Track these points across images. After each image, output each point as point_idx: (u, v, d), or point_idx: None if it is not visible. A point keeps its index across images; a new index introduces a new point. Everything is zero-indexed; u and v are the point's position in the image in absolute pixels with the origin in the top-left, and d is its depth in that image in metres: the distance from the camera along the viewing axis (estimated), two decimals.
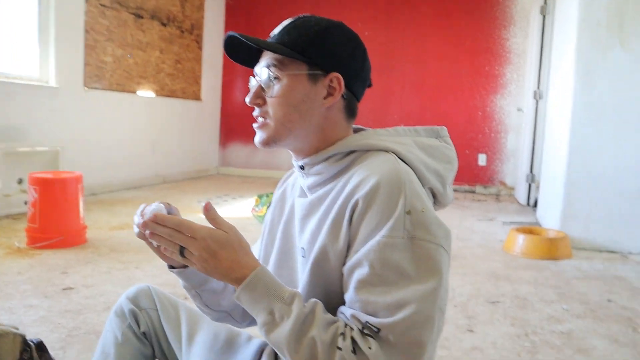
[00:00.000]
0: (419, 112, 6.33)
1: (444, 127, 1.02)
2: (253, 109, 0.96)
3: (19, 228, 3.49)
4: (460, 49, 6.16)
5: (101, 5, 4.99)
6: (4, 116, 4.09)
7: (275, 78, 0.92)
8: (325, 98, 0.93)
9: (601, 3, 3.40)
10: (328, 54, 0.93)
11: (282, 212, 1.07)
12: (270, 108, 0.92)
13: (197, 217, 4.12)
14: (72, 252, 3.02)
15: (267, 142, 0.94)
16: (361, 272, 0.80)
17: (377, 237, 0.80)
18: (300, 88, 0.92)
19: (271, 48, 0.91)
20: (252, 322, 1.10)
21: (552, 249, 3.18)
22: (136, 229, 0.90)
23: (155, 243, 0.87)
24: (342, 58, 0.94)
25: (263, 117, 0.94)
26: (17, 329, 0.91)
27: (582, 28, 3.46)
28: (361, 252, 0.81)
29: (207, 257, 0.82)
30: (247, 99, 0.94)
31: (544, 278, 2.78)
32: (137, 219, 0.90)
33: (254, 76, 0.96)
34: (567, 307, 2.33)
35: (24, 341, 0.89)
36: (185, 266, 0.97)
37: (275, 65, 0.91)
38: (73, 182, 3.19)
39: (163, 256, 0.93)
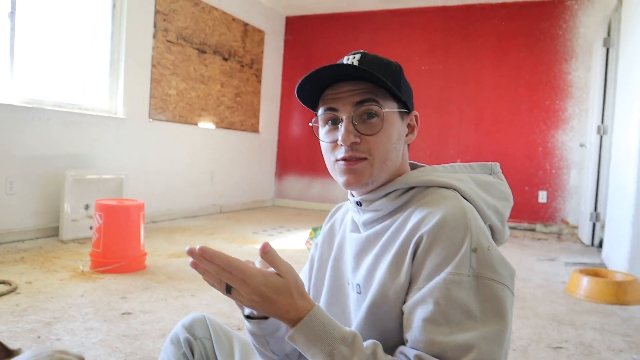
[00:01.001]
0: (476, 147, 6.22)
1: (497, 163, 1.00)
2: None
3: (84, 252, 3.64)
4: (519, 83, 6.05)
5: (167, 41, 5.25)
6: (75, 145, 4.33)
7: (376, 115, 0.89)
8: (406, 136, 0.95)
9: None
10: (409, 91, 0.95)
11: (331, 248, 1.06)
12: (372, 146, 0.89)
13: (253, 248, 4.19)
14: (132, 277, 3.11)
15: (366, 183, 0.90)
16: (425, 310, 0.78)
17: (443, 275, 0.78)
18: (396, 125, 0.92)
19: (383, 82, 0.87)
20: None
21: (620, 292, 3.01)
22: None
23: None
24: (411, 97, 0.97)
25: (360, 157, 0.89)
26: (82, 358, 0.93)
27: None
28: (425, 289, 0.79)
29: (260, 300, 0.77)
30: (342, 139, 0.88)
31: (611, 324, 2.62)
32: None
33: (335, 112, 0.90)
34: (638, 358, 2.18)
35: None
36: (264, 317, 0.92)
37: (375, 101, 0.89)
38: (136, 210, 3.32)
39: (237, 302, 0.87)
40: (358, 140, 0.88)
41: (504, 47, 6.12)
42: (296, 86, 0.91)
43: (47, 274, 3.06)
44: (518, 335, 2.40)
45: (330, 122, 0.92)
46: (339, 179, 0.92)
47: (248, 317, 0.93)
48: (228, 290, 0.78)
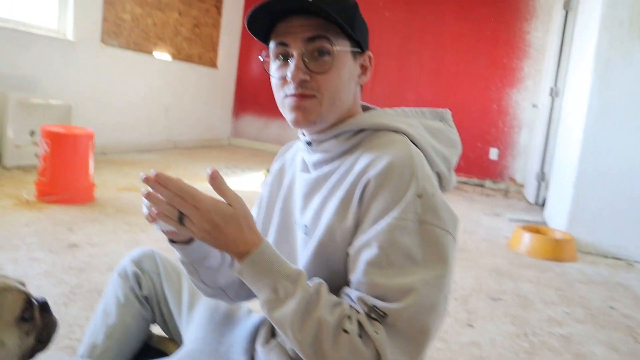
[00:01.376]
0: (433, 99, 6.26)
1: (448, 110, 1.00)
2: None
3: (28, 180, 3.50)
4: (480, 38, 6.06)
5: None
6: (19, 65, 4.07)
7: (328, 53, 0.85)
8: (359, 76, 0.92)
9: (625, 3, 3.33)
10: (363, 30, 0.91)
11: (280, 187, 1.05)
12: (322, 84, 0.86)
13: (204, 187, 4.09)
14: (79, 209, 3.03)
15: (314, 121, 0.88)
16: (369, 253, 0.78)
17: (388, 219, 0.79)
18: (347, 64, 0.89)
19: (336, 19, 0.82)
20: (245, 300, 1.08)
21: (557, 250, 3.17)
22: (145, 210, 0.82)
23: (152, 209, 0.78)
24: (367, 37, 0.93)
25: (308, 94, 0.86)
26: (23, 284, 0.91)
27: (604, 27, 3.39)
28: (370, 232, 0.80)
29: (210, 229, 0.76)
30: (292, 74, 0.85)
31: (547, 279, 2.78)
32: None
33: (286, 47, 0.86)
34: (568, 311, 2.33)
35: (28, 299, 0.88)
36: (187, 242, 0.91)
37: (327, 39, 0.85)
38: (85, 139, 3.19)
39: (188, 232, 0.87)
40: (307, 77, 0.85)
41: (467, 1, 6.07)
42: (246, 16, 0.86)
43: None
44: (460, 285, 2.51)
45: (281, 56, 0.88)
46: (288, 116, 0.89)
47: (172, 241, 0.90)
48: (180, 221, 0.76)
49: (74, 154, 3.14)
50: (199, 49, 6.31)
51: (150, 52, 5.49)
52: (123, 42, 5.10)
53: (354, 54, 0.90)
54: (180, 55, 5.97)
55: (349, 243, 0.83)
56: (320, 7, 0.81)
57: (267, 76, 0.92)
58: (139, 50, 5.32)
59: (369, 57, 0.93)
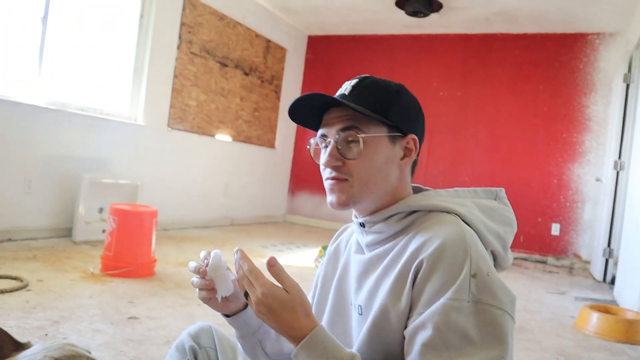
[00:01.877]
0: (490, 175, 6.21)
1: (502, 189, 1.01)
2: (330, 172, 0.97)
3: (95, 254, 3.67)
4: (536, 114, 6.05)
5: (191, 53, 5.34)
6: (94, 148, 4.40)
7: (355, 140, 0.92)
8: (401, 159, 0.95)
9: None
10: (404, 115, 0.95)
11: (335, 268, 1.08)
12: (353, 169, 0.92)
13: (260, 262, 4.18)
14: (140, 283, 3.13)
15: (346, 203, 0.93)
16: (425, 335, 0.78)
17: (442, 300, 0.79)
18: (382, 150, 0.93)
19: (360, 110, 0.90)
20: None
21: (631, 331, 2.96)
22: (195, 280, 0.96)
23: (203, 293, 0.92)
24: (414, 119, 0.97)
25: (341, 178, 0.93)
26: (89, 353, 0.96)
27: None
28: (425, 314, 0.80)
29: (266, 312, 0.82)
30: (324, 161, 0.93)
31: None
32: (194, 265, 0.97)
33: (318, 137, 0.97)
34: None
35: None
36: (243, 308, 0.99)
37: (356, 127, 0.92)
38: (149, 216, 3.35)
39: (216, 305, 0.97)
40: (340, 163, 0.92)
41: (522, 77, 6.13)
42: (288, 109, 0.97)
43: (58, 274, 3.09)
44: None
45: (323, 145, 0.97)
46: (327, 198, 0.96)
47: (227, 316, 0.99)
48: (245, 295, 0.85)
49: (138, 230, 3.30)
50: (258, 131, 6.61)
51: (212, 135, 5.80)
52: (187, 125, 5.43)
53: (393, 138, 0.94)
54: (240, 136, 6.27)
55: (404, 325, 0.84)
56: (343, 102, 0.90)
57: None
58: (202, 133, 5.64)
59: (414, 140, 0.96)
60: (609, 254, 4.88)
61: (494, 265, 0.95)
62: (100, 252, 3.49)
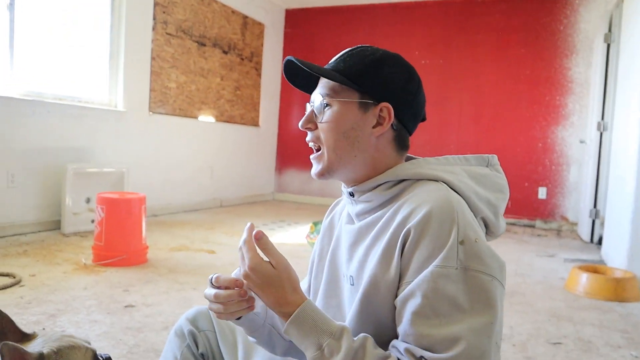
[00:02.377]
0: (476, 143, 6.24)
1: (495, 155, 1.01)
2: (308, 136, 0.99)
3: (86, 245, 3.65)
4: (519, 78, 6.06)
5: (167, 34, 5.24)
6: (75, 138, 4.33)
7: (327, 104, 0.94)
8: (374, 127, 0.94)
9: None
10: (380, 83, 0.94)
11: (330, 241, 1.08)
12: (321, 133, 0.95)
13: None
14: (134, 270, 3.12)
15: (322, 173, 0.96)
16: (414, 304, 0.79)
17: (430, 268, 0.79)
18: (349, 115, 0.93)
19: (324, 74, 0.94)
20: None
21: (619, 289, 3.03)
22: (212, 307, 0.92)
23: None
24: (394, 89, 0.95)
25: (316, 144, 0.97)
26: (89, 343, 0.96)
27: None
28: (414, 283, 0.80)
29: (253, 287, 0.85)
30: (300, 123, 0.97)
31: (609, 321, 2.65)
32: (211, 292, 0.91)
33: (310, 102, 0.99)
34: (637, 355, 2.21)
35: (95, 356, 0.94)
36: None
37: (327, 93, 0.94)
38: (137, 203, 3.32)
39: (229, 315, 0.92)
40: (310, 125, 0.96)
41: (504, 42, 6.11)
42: (286, 77, 1.02)
43: (50, 267, 3.07)
44: (517, 330, 2.43)
45: None
46: None
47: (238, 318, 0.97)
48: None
49: (127, 218, 3.28)
50: (240, 110, 6.55)
51: (195, 116, 5.74)
52: (169, 108, 5.36)
53: (364, 105, 0.93)
54: (223, 116, 6.21)
55: (394, 295, 0.84)
56: (310, 67, 0.92)
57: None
58: (184, 115, 5.57)
59: (386, 109, 0.94)
60: (596, 215, 4.96)
61: (486, 233, 0.96)
62: (91, 242, 3.47)
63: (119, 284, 2.83)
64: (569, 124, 5.87)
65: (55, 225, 4.14)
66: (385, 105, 0.93)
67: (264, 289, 0.83)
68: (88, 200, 4.25)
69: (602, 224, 4.74)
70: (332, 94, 0.94)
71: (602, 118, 4.93)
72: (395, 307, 0.84)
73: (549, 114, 5.94)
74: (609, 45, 4.91)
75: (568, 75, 5.87)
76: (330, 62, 0.99)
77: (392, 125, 0.94)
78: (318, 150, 0.97)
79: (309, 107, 0.99)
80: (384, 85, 0.94)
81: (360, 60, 0.94)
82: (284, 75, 1.01)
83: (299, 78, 1.01)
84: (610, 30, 4.91)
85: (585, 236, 5.10)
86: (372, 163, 0.95)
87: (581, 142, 5.71)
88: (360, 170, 0.95)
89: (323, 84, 0.96)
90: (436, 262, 0.79)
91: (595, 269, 3.36)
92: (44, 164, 4.07)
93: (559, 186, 5.90)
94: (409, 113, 0.97)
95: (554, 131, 5.92)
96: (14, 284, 2.68)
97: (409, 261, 0.82)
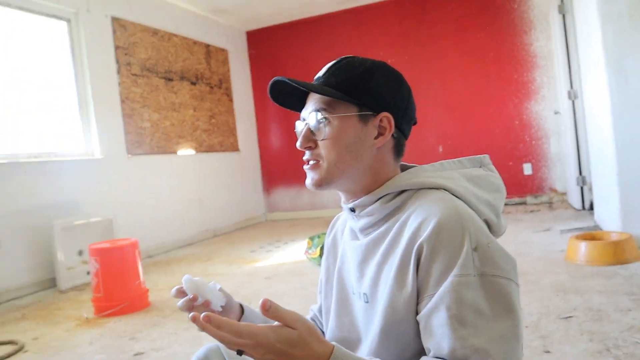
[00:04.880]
0: (455, 132, 6.29)
1: (487, 155, 1.02)
2: (293, 152, 1.00)
3: (85, 299, 3.60)
4: (485, 61, 6.13)
5: (132, 74, 5.22)
6: (57, 193, 4.28)
7: (325, 120, 0.93)
8: (375, 138, 0.94)
9: None
10: (375, 93, 0.94)
11: (335, 259, 1.08)
12: (322, 150, 0.94)
13: (253, 267, 4.18)
14: (138, 316, 3.08)
15: (319, 184, 0.95)
16: (439, 317, 0.79)
17: (450, 278, 0.80)
18: (351, 129, 0.93)
19: (319, 91, 0.92)
20: None
21: (618, 252, 3.06)
22: (180, 303, 0.95)
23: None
24: (389, 97, 0.95)
25: (315, 160, 0.95)
26: None
27: (605, 22, 3.40)
28: (436, 296, 0.80)
29: (276, 358, 0.75)
30: (298, 144, 0.95)
31: (615, 285, 2.67)
32: (174, 292, 0.96)
33: (301, 120, 0.98)
34: None
35: None
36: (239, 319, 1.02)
37: (324, 109, 0.93)
38: (130, 248, 3.29)
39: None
40: (311, 144, 0.95)
41: (463, 29, 6.19)
42: (270, 95, 0.99)
43: (52, 327, 3.02)
44: (527, 310, 2.44)
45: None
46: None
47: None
48: (240, 353, 0.74)
49: (122, 265, 3.24)
50: (218, 137, 6.53)
51: (174, 152, 5.71)
52: (147, 148, 5.33)
53: (364, 117, 0.93)
54: (202, 147, 6.19)
55: (414, 310, 0.85)
56: (306, 85, 0.92)
57: (289, 148, 1.01)
58: (163, 152, 5.54)
59: (386, 118, 0.94)
60: (583, 182, 5.01)
61: None
62: (90, 295, 3.42)
63: (125, 333, 2.80)
64: (541, 98, 5.95)
65: (51, 283, 4.08)
66: (385, 115, 0.94)
67: (290, 354, 0.75)
68: (80, 253, 4.20)
69: (591, 189, 4.79)
70: (329, 109, 0.93)
71: (571, 87, 5.00)
72: (416, 323, 0.84)
73: (520, 91, 6.02)
74: (564, 16, 4.99)
75: (531, 50, 5.96)
76: (317, 76, 0.98)
77: (392, 134, 0.95)
78: (315, 163, 0.95)
79: (300, 126, 0.97)
80: (379, 95, 0.94)
81: (351, 72, 0.94)
82: (270, 96, 0.99)
83: (283, 96, 1.00)
84: (562, 1, 4.99)
85: (577, 204, 5.15)
86: (373, 173, 0.95)
87: (556, 113, 5.78)
88: (362, 182, 0.95)
89: (316, 100, 0.94)
90: (454, 271, 0.79)
91: (592, 235, 3.39)
92: (30, 224, 4.01)
93: (542, 159, 5.96)
94: (405, 119, 0.98)
95: (528, 107, 6.00)
96: (17, 350, 2.63)
97: (427, 275, 0.82)
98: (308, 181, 0.97)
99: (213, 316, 0.74)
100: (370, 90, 0.93)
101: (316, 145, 0.94)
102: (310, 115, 0.95)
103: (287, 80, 0.93)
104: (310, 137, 0.95)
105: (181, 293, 0.97)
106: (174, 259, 4.93)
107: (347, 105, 0.93)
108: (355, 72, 0.94)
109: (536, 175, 5.99)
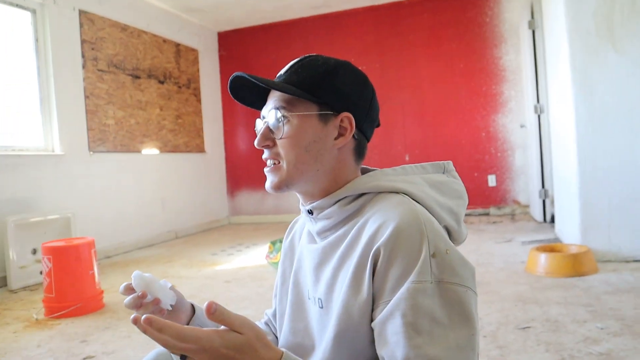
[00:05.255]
0: (422, 140, 6.33)
1: (450, 162, 1.00)
2: (259, 156, 0.96)
3: (36, 299, 3.46)
4: (455, 72, 6.21)
5: (98, 70, 5.09)
6: (13, 188, 4.12)
7: (284, 119, 0.89)
8: (336, 139, 0.91)
9: (587, 11, 3.42)
10: (337, 93, 0.91)
11: (291, 263, 1.05)
12: (280, 149, 0.90)
13: (212, 271, 4.10)
14: (91, 318, 2.98)
15: (279, 186, 0.91)
16: (394, 324, 0.76)
17: (406, 285, 0.77)
18: (310, 129, 0.89)
19: (280, 88, 0.88)
20: None
21: (577, 264, 3.11)
22: (127, 300, 0.90)
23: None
24: (352, 97, 0.92)
25: (274, 160, 0.92)
26: None
27: (573, 38, 3.47)
28: (392, 302, 0.77)
29: None
30: (256, 142, 0.92)
31: (573, 297, 2.70)
32: (122, 289, 0.91)
33: (261, 118, 0.95)
34: (602, 326, 2.25)
35: None
36: (190, 318, 0.98)
37: (284, 107, 0.89)
38: (86, 248, 3.18)
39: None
40: (269, 142, 0.91)
41: (436, 39, 6.26)
42: (230, 92, 0.96)
43: None
44: (486, 320, 2.44)
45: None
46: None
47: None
48: (183, 358, 0.70)
49: (76, 265, 3.12)
50: (184, 138, 6.43)
51: (138, 150, 5.58)
52: (110, 146, 5.19)
53: (324, 117, 0.90)
54: (167, 147, 6.07)
55: (369, 316, 0.82)
56: (266, 82, 0.88)
57: (255, 151, 0.97)
58: (126, 150, 5.41)
59: (347, 118, 0.91)
60: (545, 195, 5.10)
61: None
62: (41, 295, 3.29)
63: (76, 335, 2.69)
64: (508, 111, 6.04)
65: (1, 282, 3.91)
66: (346, 115, 0.91)
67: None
68: (34, 252, 4.04)
69: (552, 202, 4.88)
70: (289, 107, 0.89)
71: (538, 101, 5.10)
72: (370, 329, 0.81)
73: (488, 103, 6.11)
74: (533, 32, 5.09)
75: (500, 64, 6.06)
76: (279, 74, 0.94)
77: (353, 135, 0.92)
78: (275, 163, 0.92)
79: (260, 124, 0.94)
80: (341, 94, 0.91)
81: (313, 70, 0.91)
82: (230, 93, 0.95)
83: (247, 94, 0.97)
84: (532, 17, 5.10)
85: (538, 217, 5.24)
86: (332, 175, 0.92)
87: (522, 126, 5.89)
88: (321, 183, 0.92)
89: (276, 97, 0.91)
90: (411, 278, 0.77)
91: (552, 247, 3.44)
92: None
93: (507, 172, 6.05)
94: (367, 121, 0.95)
95: (495, 119, 6.09)
96: None
97: (383, 281, 0.80)
98: (267, 184, 0.93)
99: (154, 319, 0.68)
100: (332, 89, 0.90)
101: (274, 144, 0.91)
102: (269, 113, 0.91)
103: (246, 76, 0.89)
104: (269, 135, 0.91)
105: (130, 290, 0.92)
106: (133, 260, 4.80)
107: (308, 104, 0.90)
108: (318, 71, 0.91)
109: (500, 187, 6.07)
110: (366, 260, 0.82)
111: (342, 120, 0.91)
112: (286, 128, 0.89)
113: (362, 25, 6.56)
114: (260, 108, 0.98)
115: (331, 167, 0.92)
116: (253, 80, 0.89)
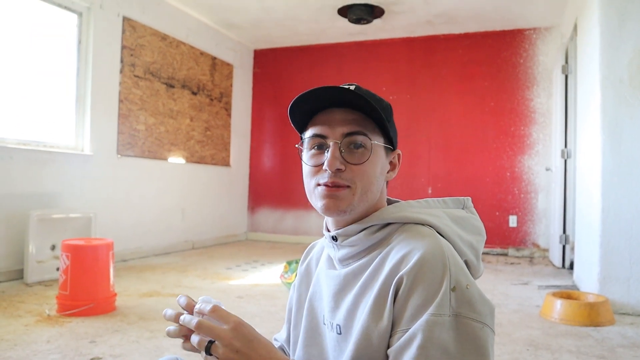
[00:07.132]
0: (446, 175, 6.31)
1: (469, 198, 1.01)
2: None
3: (50, 295, 3.51)
4: (484, 110, 6.20)
5: (135, 76, 5.22)
6: (40, 183, 4.22)
7: (362, 146, 0.89)
8: (387, 172, 0.96)
9: (621, 61, 3.41)
10: (394, 129, 0.96)
11: (307, 288, 1.05)
12: (356, 175, 0.89)
13: (226, 284, 4.12)
14: (102, 320, 3.01)
15: (344, 210, 0.89)
16: (410, 354, 0.77)
17: (425, 316, 0.77)
18: (380, 159, 0.93)
19: (383, 117, 0.89)
20: None
21: (593, 314, 3.04)
22: (171, 328, 0.90)
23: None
24: (396, 135, 0.98)
25: (347, 184, 0.89)
26: None
27: (605, 86, 3.46)
28: (409, 332, 0.78)
29: (240, 346, 0.78)
30: (330, 164, 0.87)
31: (586, 347, 2.64)
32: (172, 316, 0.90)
33: (323, 138, 0.90)
34: None
35: None
36: None
37: (365, 134, 0.90)
38: (104, 249, 3.23)
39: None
40: (343, 167, 0.88)
41: (468, 75, 6.28)
42: (290, 104, 0.91)
43: (11, 320, 2.93)
44: None
45: (316, 146, 0.91)
46: (318, 203, 0.90)
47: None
48: (207, 350, 0.79)
49: (94, 265, 3.17)
50: (211, 150, 6.52)
51: (164, 158, 5.68)
52: (138, 151, 5.29)
53: (387, 150, 0.95)
54: (193, 157, 6.16)
55: (387, 343, 0.82)
56: (367, 99, 0.86)
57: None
58: (153, 157, 5.51)
59: (399, 155, 0.98)
60: (565, 240, 5.02)
61: None
62: (56, 292, 3.33)
63: (85, 335, 2.72)
64: (535, 153, 6.00)
65: (18, 275, 3.98)
66: (399, 152, 0.97)
67: (252, 345, 0.78)
68: (53, 248, 4.11)
69: (572, 249, 4.80)
70: (370, 135, 0.90)
71: (565, 146, 5.06)
72: (387, 356, 0.82)
73: (515, 144, 6.07)
74: (566, 76, 5.08)
75: (530, 105, 6.04)
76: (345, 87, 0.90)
77: None
78: (343, 187, 0.88)
79: (328, 145, 0.89)
80: (395, 130, 0.96)
81: (381, 102, 0.93)
82: (298, 100, 0.89)
83: (302, 109, 0.92)
84: (567, 62, 5.09)
85: (557, 262, 5.15)
86: (374, 205, 0.94)
87: (547, 169, 5.83)
88: (364, 212, 0.93)
89: (353, 122, 0.89)
90: (430, 310, 0.77)
91: (568, 294, 3.37)
92: (7, 211, 3.94)
93: (528, 214, 5.98)
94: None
95: (521, 160, 6.04)
96: None
97: (403, 309, 0.80)
98: (329, 204, 0.89)
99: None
100: (394, 125, 0.96)
101: (345, 168, 0.89)
102: (345, 137, 0.89)
103: (352, 89, 0.87)
104: (341, 159, 0.88)
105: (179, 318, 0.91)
106: (149, 266, 4.85)
107: (379, 135, 0.92)
108: (384, 103, 0.94)
109: (521, 229, 6.00)
110: (389, 287, 0.83)
111: (394, 157, 0.97)
112: (367, 155, 0.90)
113: (396, 55, 6.62)
114: (300, 127, 0.96)
115: (377, 198, 0.95)
116: (364, 95, 0.86)
